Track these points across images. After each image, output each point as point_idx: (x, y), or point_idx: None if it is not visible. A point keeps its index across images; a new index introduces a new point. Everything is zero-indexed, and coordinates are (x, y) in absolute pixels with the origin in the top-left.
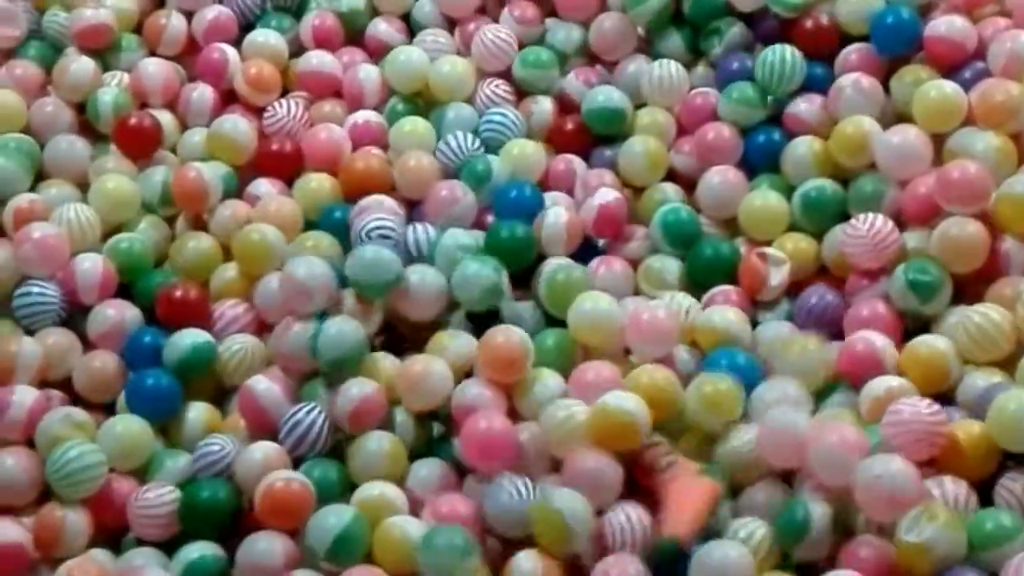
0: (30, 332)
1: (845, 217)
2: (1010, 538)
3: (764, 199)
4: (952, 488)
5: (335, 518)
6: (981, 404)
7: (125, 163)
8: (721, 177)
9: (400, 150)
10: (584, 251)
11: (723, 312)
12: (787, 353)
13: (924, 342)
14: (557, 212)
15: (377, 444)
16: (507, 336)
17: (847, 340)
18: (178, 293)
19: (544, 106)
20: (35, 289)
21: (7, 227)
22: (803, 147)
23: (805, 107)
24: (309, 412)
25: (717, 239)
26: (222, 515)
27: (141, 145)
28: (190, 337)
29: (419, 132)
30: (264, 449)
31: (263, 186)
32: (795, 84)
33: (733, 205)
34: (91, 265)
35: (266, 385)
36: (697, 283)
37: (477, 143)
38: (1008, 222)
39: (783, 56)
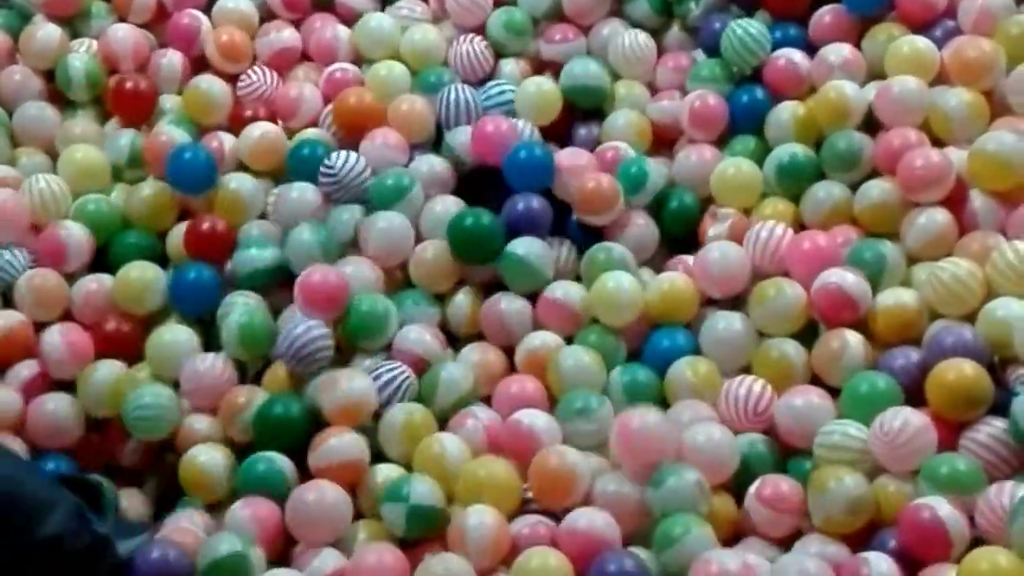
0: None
1: (821, 178)
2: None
3: (737, 167)
4: None
5: None
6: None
7: (92, 128)
8: (697, 155)
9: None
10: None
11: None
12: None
13: (893, 295)
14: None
15: None
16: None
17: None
18: (205, 226)
19: (512, 69)
20: (5, 255)
21: None
22: (786, 113)
23: (784, 63)
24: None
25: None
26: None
27: (137, 108)
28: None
29: (396, 75)
30: None
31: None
32: (762, 57)
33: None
34: (67, 233)
35: None
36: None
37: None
38: (979, 179)
39: (747, 30)
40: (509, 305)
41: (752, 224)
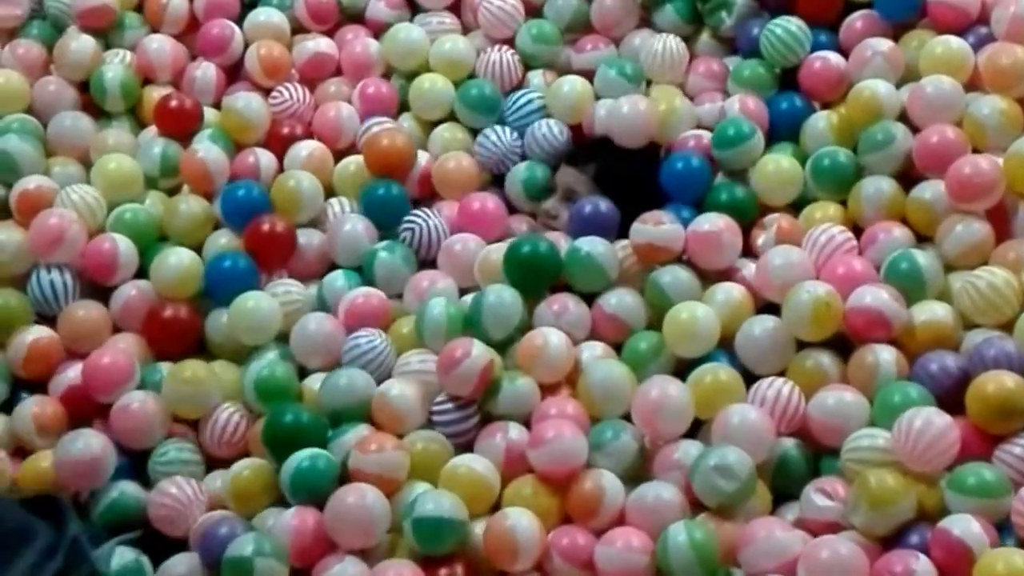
0: (44, 317)
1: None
2: None
3: (777, 163)
4: None
5: None
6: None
7: (126, 138)
8: None
9: (421, 112)
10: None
11: None
12: None
13: (928, 310)
14: None
15: None
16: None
17: (854, 298)
18: (265, 227)
19: (540, 81)
20: (52, 275)
21: (13, 209)
22: (823, 121)
23: (820, 65)
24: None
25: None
26: None
27: (182, 125)
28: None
29: (438, 89)
30: None
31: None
32: (801, 55)
33: None
34: (113, 246)
35: None
36: None
37: (516, 137)
38: (1018, 183)
39: (789, 28)
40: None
41: (809, 229)
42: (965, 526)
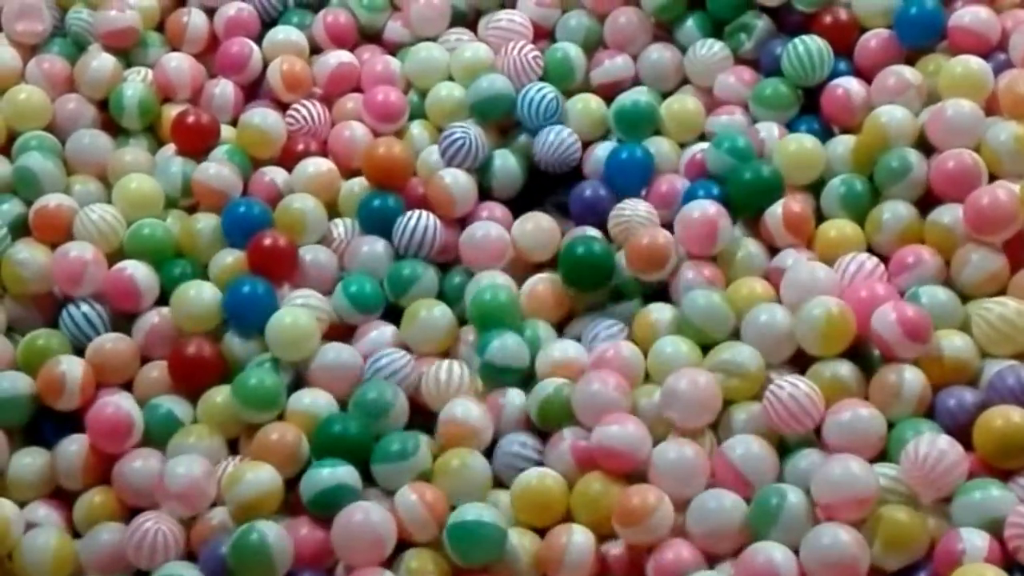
0: (79, 351)
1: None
2: None
3: (799, 143)
4: None
5: None
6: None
7: (143, 156)
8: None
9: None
10: None
11: None
12: None
13: (946, 342)
14: None
15: None
16: None
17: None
18: (267, 242)
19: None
20: (83, 308)
21: (32, 227)
22: (842, 146)
23: (842, 92)
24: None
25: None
26: None
27: (199, 141)
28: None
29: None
30: None
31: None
32: (825, 74)
33: None
34: (133, 273)
35: None
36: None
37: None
38: None
39: (810, 47)
40: None
41: (839, 257)
42: (970, 539)
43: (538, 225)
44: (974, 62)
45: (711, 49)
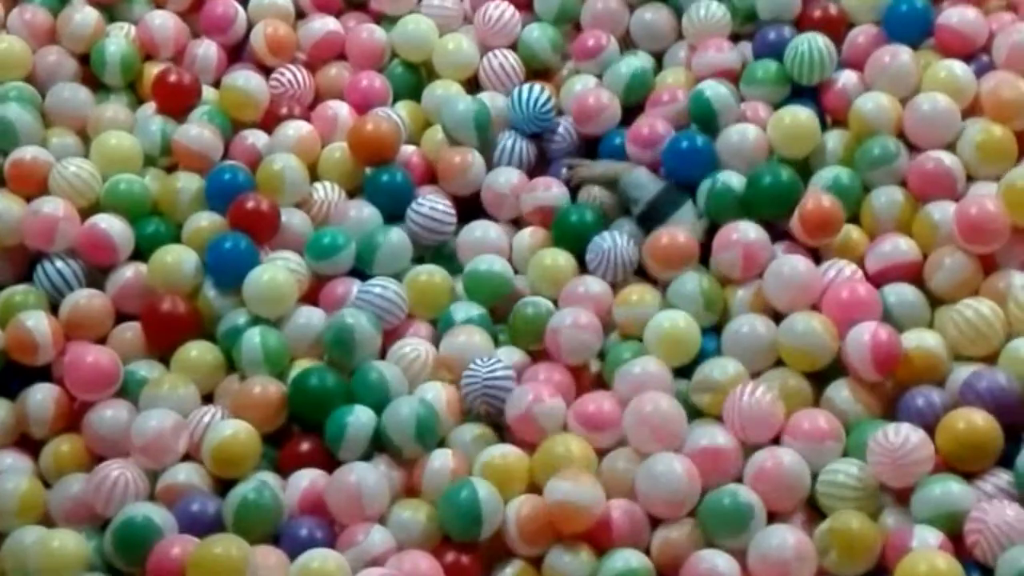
0: (54, 307)
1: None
2: None
3: (794, 115)
4: None
5: None
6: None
7: (123, 113)
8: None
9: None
10: None
11: None
12: None
13: (917, 338)
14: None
15: None
16: None
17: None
18: (250, 204)
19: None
20: (58, 264)
21: (7, 177)
22: (832, 140)
23: (841, 86)
24: None
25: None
26: None
27: (179, 101)
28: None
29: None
30: None
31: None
32: (827, 75)
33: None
34: (108, 227)
35: None
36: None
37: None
38: (1014, 211)
39: (813, 44)
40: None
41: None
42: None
43: None
44: (958, 67)
45: (709, 10)
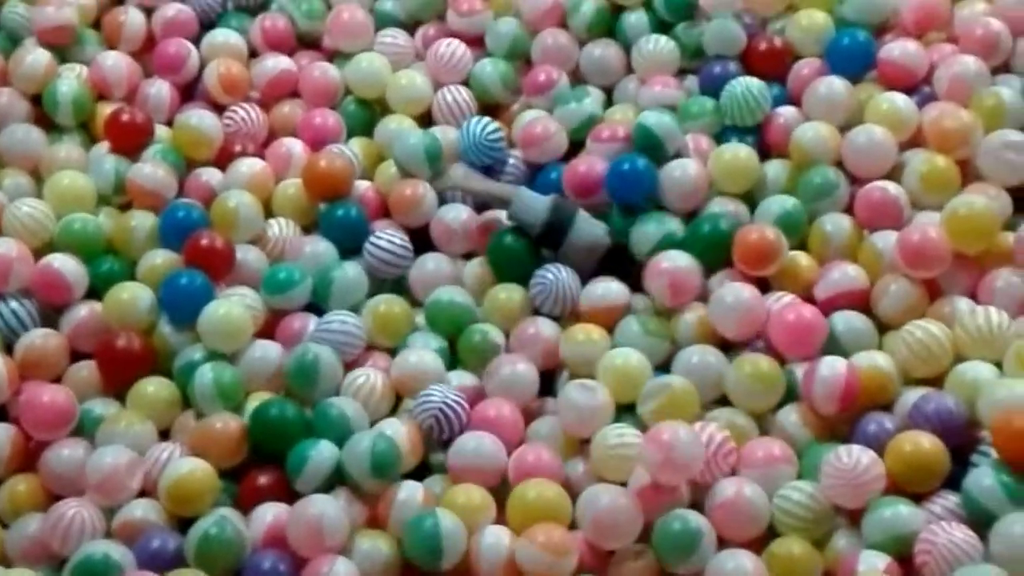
0: (8, 346)
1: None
2: None
3: (734, 153)
4: None
5: None
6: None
7: (77, 153)
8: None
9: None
10: None
11: None
12: None
13: (867, 359)
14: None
15: None
16: None
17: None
18: (204, 242)
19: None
20: (12, 304)
21: None
22: (773, 170)
23: (783, 121)
24: None
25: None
26: None
27: (131, 140)
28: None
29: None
30: None
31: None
32: (760, 117)
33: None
34: (61, 266)
35: None
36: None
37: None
38: (956, 238)
39: (749, 88)
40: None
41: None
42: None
43: None
44: (899, 99)
45: (658, 44)
